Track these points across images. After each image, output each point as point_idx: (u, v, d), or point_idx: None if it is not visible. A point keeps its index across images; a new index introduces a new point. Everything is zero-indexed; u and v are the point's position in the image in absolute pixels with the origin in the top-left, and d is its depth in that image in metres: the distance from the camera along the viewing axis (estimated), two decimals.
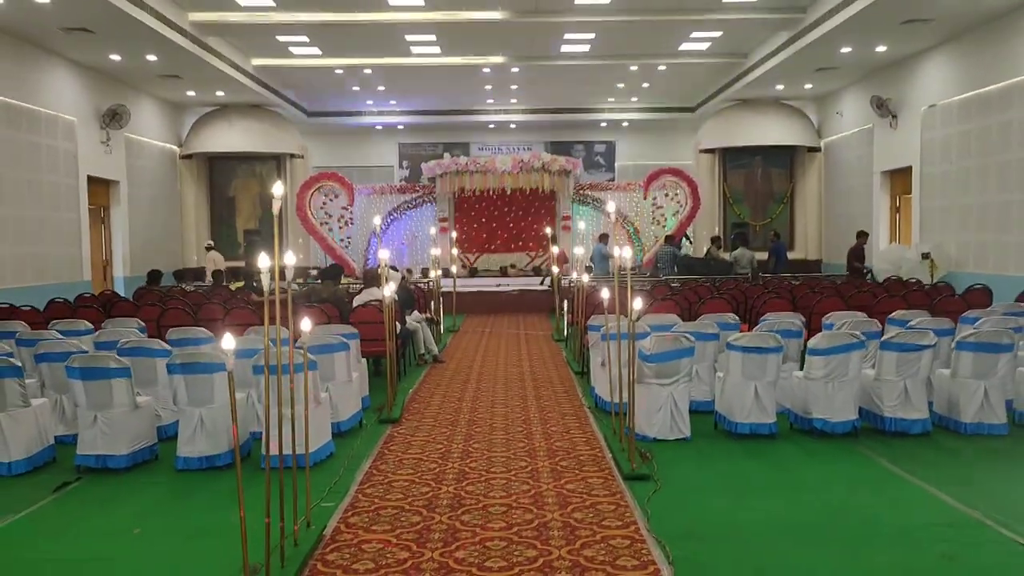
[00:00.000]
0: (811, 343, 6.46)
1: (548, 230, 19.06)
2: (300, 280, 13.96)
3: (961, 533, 4.36)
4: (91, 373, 5.57)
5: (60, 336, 7.01)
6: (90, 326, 8.15)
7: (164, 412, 6.45)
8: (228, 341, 3.35)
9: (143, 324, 8.36)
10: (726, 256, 16.87)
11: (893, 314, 7.96)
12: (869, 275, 15.20)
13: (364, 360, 8.02)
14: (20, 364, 5.78)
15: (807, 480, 5.46)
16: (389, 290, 7.45)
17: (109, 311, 9.53)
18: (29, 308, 9.16)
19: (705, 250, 18.05)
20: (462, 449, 6.18)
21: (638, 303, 5.55)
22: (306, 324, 4.28)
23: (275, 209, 3.71)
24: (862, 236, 15.61)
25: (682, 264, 16.28)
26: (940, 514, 4.70)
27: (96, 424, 5.57)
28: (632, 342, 5.76)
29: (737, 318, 8.20)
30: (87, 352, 6.13)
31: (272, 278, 3.81)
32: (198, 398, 5.66)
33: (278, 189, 3.75)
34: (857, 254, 15.60)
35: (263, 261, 3.52)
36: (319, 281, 11.08)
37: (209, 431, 5.65)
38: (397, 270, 11.90)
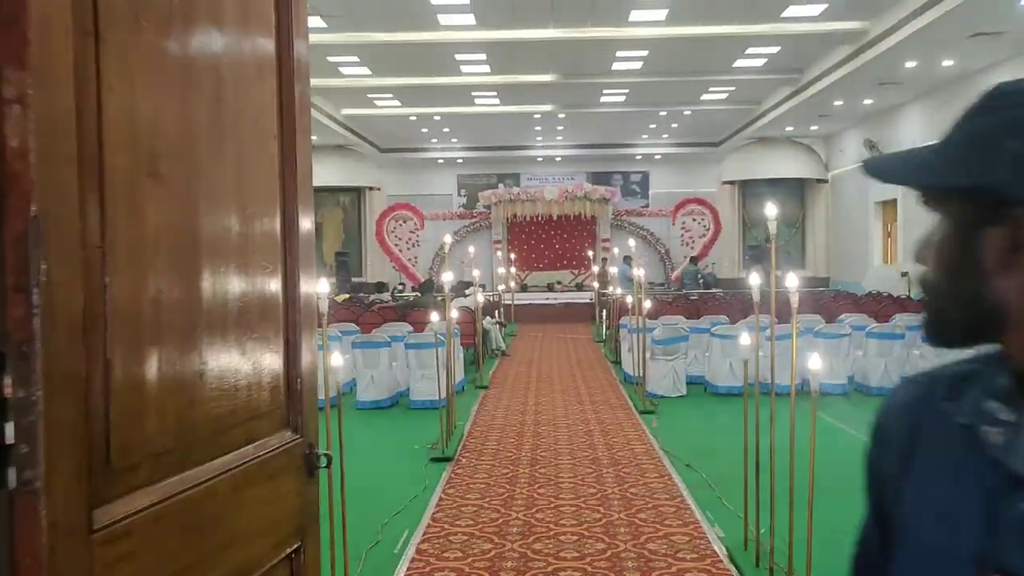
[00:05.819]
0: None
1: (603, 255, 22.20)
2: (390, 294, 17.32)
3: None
4: None
5: None
6: None
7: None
8: (434, 315, 6.57)
9: None
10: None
11: (842, 315, 11.05)
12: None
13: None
14: None
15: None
16: (481, 298, 10.73)
17: None
18: None
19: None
20: (535, 400, 9.42)
21: (648, 304, 8.73)
22: (454, 315, 7.54)
23: (446, 249, 6.95)
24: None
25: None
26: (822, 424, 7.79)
27: None
28: (644, 333, 8.94)
29: (727, 318, 11.31)
30: None
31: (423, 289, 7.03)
32: (370, 364, 8.97)
33: (448, 238, 6.99)
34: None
35: (447, 276, 6.72)
36: (419, 293, 14.41)
37: (377, 385, 8.95)
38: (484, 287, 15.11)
